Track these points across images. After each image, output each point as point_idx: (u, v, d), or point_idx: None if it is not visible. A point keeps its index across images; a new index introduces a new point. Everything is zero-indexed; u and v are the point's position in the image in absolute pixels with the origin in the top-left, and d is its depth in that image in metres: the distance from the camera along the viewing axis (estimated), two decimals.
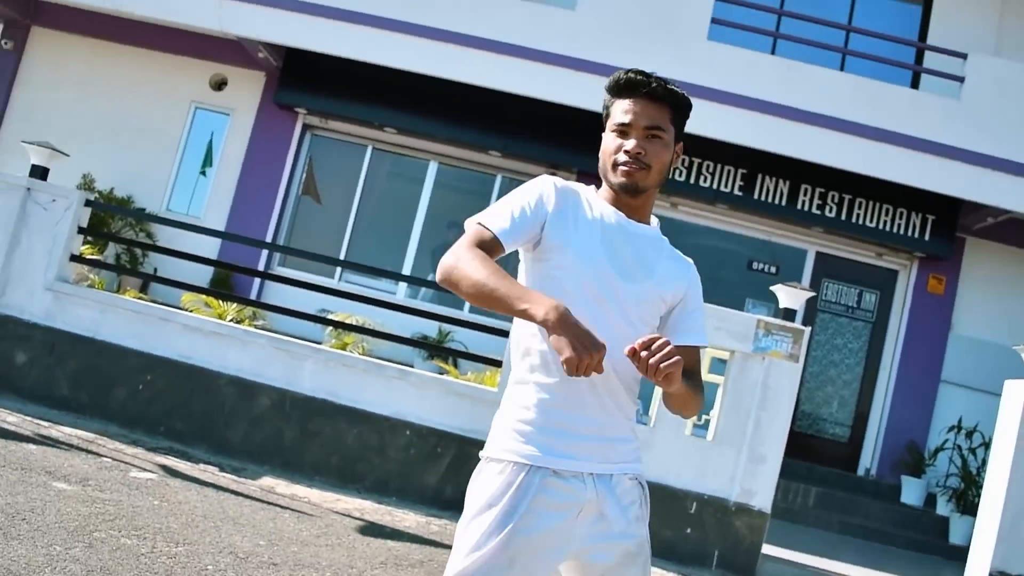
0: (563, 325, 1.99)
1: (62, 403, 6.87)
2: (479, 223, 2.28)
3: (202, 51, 11.84)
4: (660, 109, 2.35)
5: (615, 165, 2.35)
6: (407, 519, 5.90)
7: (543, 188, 2.37)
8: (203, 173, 12.06)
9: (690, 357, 2.37)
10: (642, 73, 2.34)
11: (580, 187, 2.44)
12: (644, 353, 2.01)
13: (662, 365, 2.00)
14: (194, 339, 6.92)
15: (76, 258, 7.34)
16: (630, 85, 2.35)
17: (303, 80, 11.48)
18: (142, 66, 12.11)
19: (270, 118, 11.91)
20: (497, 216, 2.29)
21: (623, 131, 2.34)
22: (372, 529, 5.47)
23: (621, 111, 2.35)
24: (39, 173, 7.32)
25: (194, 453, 6.51)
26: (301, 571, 4.35)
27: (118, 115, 12.04)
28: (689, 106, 2.41)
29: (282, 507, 5.54)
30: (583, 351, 1.96)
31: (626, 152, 2.32)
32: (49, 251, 7.08)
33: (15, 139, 11.94)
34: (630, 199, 2.37)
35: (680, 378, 2.08)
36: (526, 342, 2.33)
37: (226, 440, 6.75)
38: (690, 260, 2.52)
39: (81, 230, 7.29)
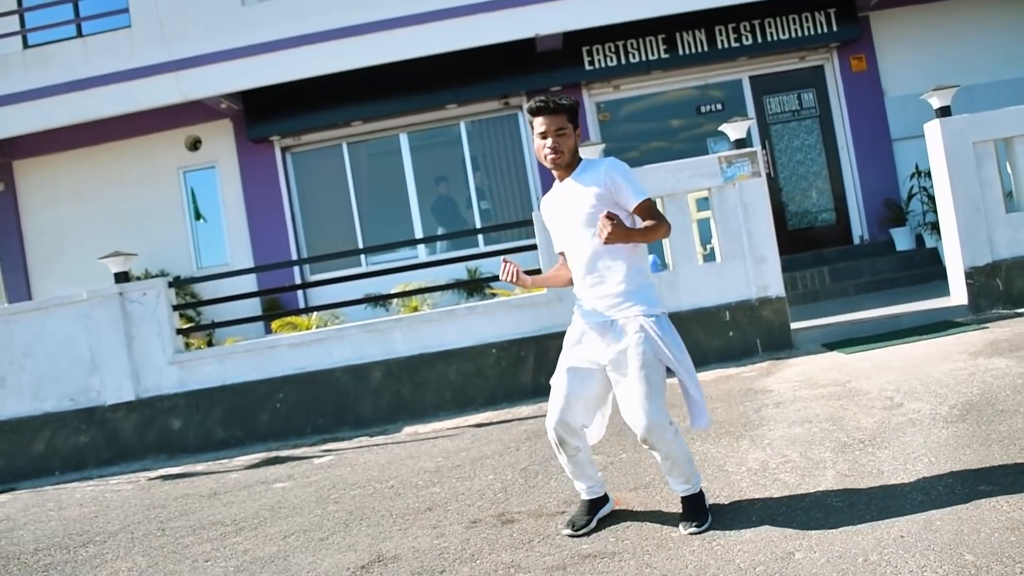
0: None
1: (223, 444, 8.45)
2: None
3: (170, 122, 13.03)
4: (560, 117, 3.99)
5: (545, 157, 4.03)
6: (523, 411, 7.51)
7: (543, 214, 4.28)
8: (202, 220, 13.44)
9: (642, 210, 3.96)
10: (544, 100, 3.99)
11: (548, 193, 4.24)
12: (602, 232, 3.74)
13: (604, 235, 3.73)
14: (300, 352, 8.48)
15: (179, 330, 8.84)
16: (538, 109, 3.99)
17: (267, 112, 12.84)
18: (123, 155, 13.37)
19: (250, 155, 13.26)
20: (554, 242, 4.30)
21: (543, 135, 4.01)
22: (504, 426, 7.05)
23: (539, 124, 4.00)
24: (123, 278, 8.76)
25: (342, 435, 8.12)
26: (478, 463, 5.92)
27: (118, 205, 13.35)
28: (576, 108, 4.07)
29: (434, 438, 7.14)
30: None
31: (548, 148, 4.00)
32: (159, 334, 8.58)
33: (42, 264, 13.51)
34: (560, 172, 4.10)
35: (623, 232, 3.76)
36: None
37: (359, 416, 8.35)
38: (603, 159, 4.11)
39: (174, 307, 8.78)
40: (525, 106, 4.21)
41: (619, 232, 3.74)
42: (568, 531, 4.11)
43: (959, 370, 6.18)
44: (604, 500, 4.29)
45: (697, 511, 4.01)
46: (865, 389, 6.13)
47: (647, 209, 3.96)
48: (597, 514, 4.21)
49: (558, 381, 4.08)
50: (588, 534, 4.09)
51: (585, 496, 4.25)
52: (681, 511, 4.05)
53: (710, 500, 4.24)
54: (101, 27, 12.72)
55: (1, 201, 13.63)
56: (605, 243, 3.79)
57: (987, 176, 8.40)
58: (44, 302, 8.98)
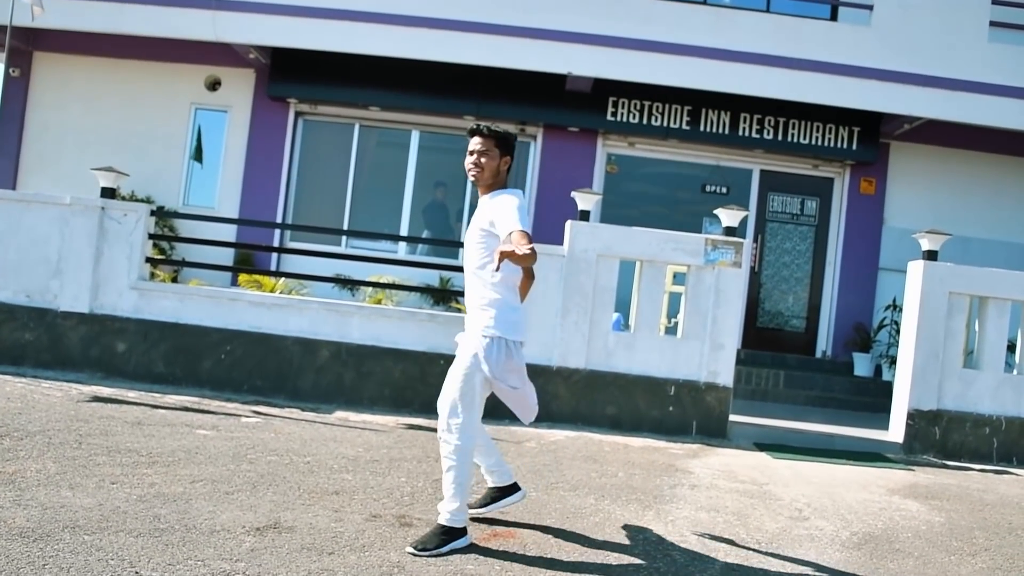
0: None
1: (161, 379, 8.52)
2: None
3: (195, 56, 13.12)
4: (488, 140, 4.52)
5: (468, 170, 4.54)
6: None
7: None
8: (199, 162, 13.51)
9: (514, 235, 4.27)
10: (479, 124, 4.55)
11: None
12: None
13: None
14: (259, 312, 8.58)
15: (149, 259, 8.91)
16: (473, 131, 4.56)
17: (291, 73, 12.96)
18: (141, 77, 13.44)
19: (265, 110, 13.36)
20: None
21: (470, 153, 4.52)
22: (432, 434, 7.16)
23: (471, 143, 4.54)
24: (109, 194, 8.84)
25: (276, 401, 8.21)
26: (396, 463, 6.04)
27: (124, 124, 13.38)
28: (508, 138, 4.55)
29: (361, 428, 7.25)
30: None
31: (470, 163, 4.52)
32: (128, 257, 8.65)
33: (35, 159, 13.48)
34: (480, 189, 4.58)
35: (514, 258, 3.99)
36: None
37: (298, 388, 8.44)
38: (507, 191, 4.49)
39: (150, 236, 8.86)
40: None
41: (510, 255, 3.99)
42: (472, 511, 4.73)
43: (872, 502, 6.35)
44: (514, 488, 4.96)
45: (434, 540, 4.27)
46: (779, 495, 6.29)
47: (520, 236, 4.18)
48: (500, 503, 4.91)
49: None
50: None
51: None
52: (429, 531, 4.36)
53: (605, 553, 4.38)
54: None
55: (12, 87, 13.64)
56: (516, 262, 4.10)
57: (954, 327, 8.62)
58: (27, 195, 9.04)
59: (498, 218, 4.31)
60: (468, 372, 4.41)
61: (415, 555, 4.15)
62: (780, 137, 12.72)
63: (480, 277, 4.48)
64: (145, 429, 6.33)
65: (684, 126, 12.73)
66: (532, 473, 6.12)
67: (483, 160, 4.48)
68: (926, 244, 8.81)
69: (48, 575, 3.47)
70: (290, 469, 5.58)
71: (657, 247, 8.38)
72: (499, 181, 4.53)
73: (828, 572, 4.55)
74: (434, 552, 4.19)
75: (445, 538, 4.29)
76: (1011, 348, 9.60)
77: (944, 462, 8.40)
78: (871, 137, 12.77)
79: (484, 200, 4.52)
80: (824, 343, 13.01)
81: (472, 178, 4.54)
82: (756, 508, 5.83)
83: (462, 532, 4.35)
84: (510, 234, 4.15)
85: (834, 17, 12.79)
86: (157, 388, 8.27)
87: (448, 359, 8.56)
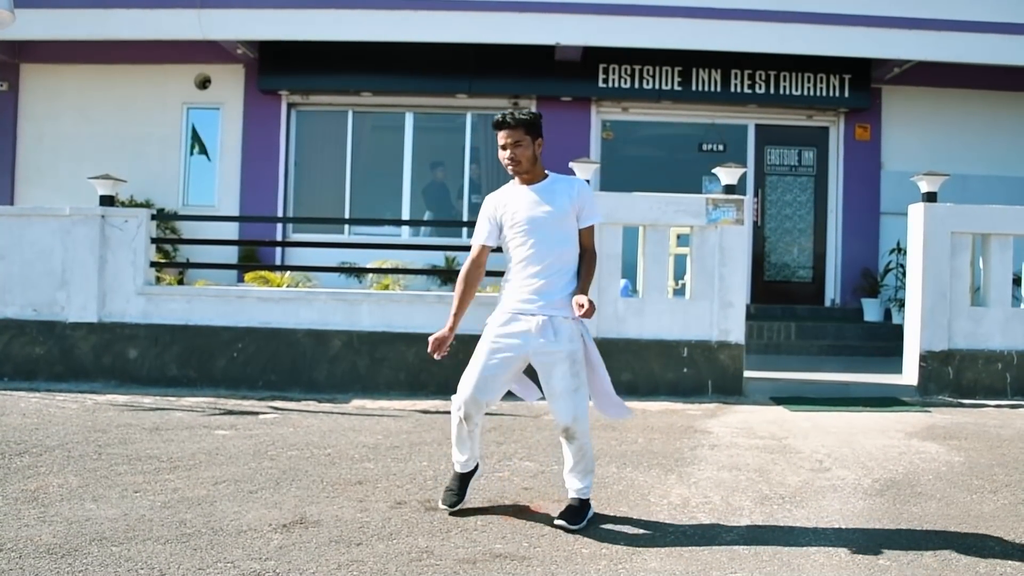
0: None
1: (175, 382, 8.56)
2: (473, 242, 4.58)
3: (184, 56, 13.13)
4: (517, 131, 4.42)
5: (506, 167, 4.48)
6: None
7: (488, 206, 4.60)
8: (206, 156, 13.51)
9: (589, 231, 4.54)
10: (503, 115, 4.44)
11: (501, 190, 4.61)
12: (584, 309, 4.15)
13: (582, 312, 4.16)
14: (268, 307, 8.61)
15: (154, 263, 8.93)
16: (498, 124, 4.44)
17: (281, 65, 12.94)
18: (131, 80, 13.45)
19: (257, 105, 13.36)
20: (478, 233, 4.60)
21: (503, 147, 4.45)
22: (450, 416, 7.19)
23: (500, 137, 4.45)
24: (108, 201, 8.85)
25: (292, 395, 8.25)
26: (416, 447, 6.08)
27: (118, 129, 13.39)
28: (535, 121, 4.47)
29: (379, 415, 7.29)
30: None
31: (507, 158, 4.44)
32: (132, 263, 8.67)
33: (32, 171, 13.50)
34: (521, 178, 4.51)
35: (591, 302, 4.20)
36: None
37: (313, 380, 8.48)
38: (578, 179, 4.63)
39: (153, 240, 8.88)
40: (533, 108, 4.52)
41: (591, 307, 4.16)
42: (446, 506, 4.62)
43: (891, 447, 6.37)
44: (474, 470, 4.77)
45: (580, 515, 4.44)
46: (799, 448, 6.32)
47: (592, 231, 4.58)
48: (468, 485, 4.72)
49: (478, 359, 4.47)
50: (461, 508, 4.61)
51: (459, 469, 4.72)
52: (566, 508, 4.49)
53: (629, 523, 4.42)
54: None
55: (2, 100, 13.65)
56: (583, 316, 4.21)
57: (959, 267, 8.62)
58: (27, 209, 9.07)
59: (585, 209, 4.51)
60: (578, 364, 4.40)
61: (571, 530, 4.34)
62: (772, 90, 12.68)
63: (564, 263, 4.45)
64: (163, 434, 6.37)
65: (676, 87, 12.70)
66: (552, 447, 6.14)
67: (518, 151, 4.43)
68: (925, 186, 8.80)
69: None
70: (312, 463, 5.62)
71: (659, 211, 8.37)
72: (539, 166, 4.52)
73: (852, 521, 4.58)
74: (582, 524, 4.41)
75: (586, 511, 4.51)
76: (1016, 282, 9.62)
77: (960, 401, 8.42)
78: (863, 83, 12.72)
79: (540, 188, 4.48)
80: (832, 291, 13.02)
81: (512, 172, 4.50)
82: (777, 463, 5.86)
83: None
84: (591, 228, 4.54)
85: None
86: (172, 391, 8.31)
87: (459, 339, 8.58)
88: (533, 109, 12.64)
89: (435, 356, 4.57)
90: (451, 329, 4.58)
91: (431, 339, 4.55)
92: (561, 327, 4.34)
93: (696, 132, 13.26)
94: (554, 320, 4.34)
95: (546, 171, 4.57)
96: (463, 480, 4.71)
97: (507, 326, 4.42)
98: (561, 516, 4.41)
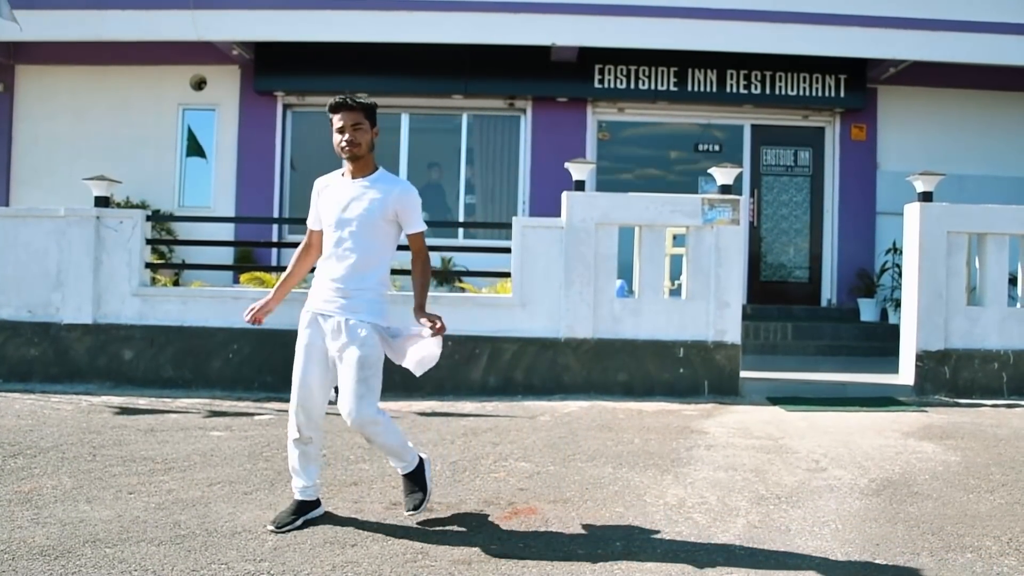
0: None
1: (170, 383, 8.54)
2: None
3: (179, 57, 13.11)
4: (356, 113, 4.28)
5: (342, 149, 4.30)
6: (467, 406, 7.64)
7: (314, 190, 4.57)
8: (203, 157, 13.49)
9: (416, 238, 4.44)
10: (342, 98, 4.29)
11: (329, 175, 4.54)
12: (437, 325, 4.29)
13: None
14: None
15: (149, 265, 8.92)
16: (337, 106, 4.29)
17: (276, 66, 12.93)
18: (126, 82, 13.44)
19: (252, 106, 13.34)
20: (310, 217, 4.59)
21: (340, 130, 4.28)
22: (445, 419, 7.19)
23: (337, 119, 4.29)
24: (103, 202, 8.83)
25: (288, 396, 8.18)
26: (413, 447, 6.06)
27: (114, 130, 13.38)
28: (373, 108, 4.37)
29: None
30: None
31: (345, 140, 4.27)
32: (128, 264, 8.65)
33: (27, 172, 13.47)
34: (353, 165, 4.37)
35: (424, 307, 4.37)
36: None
37: None
38: (404, 183, 4.48)
39: (148, 241, 8.86)
40: (528, 109, 4.46)
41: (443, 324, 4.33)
42: (271, 527, 4.28)
43: (888, 447, 6.37)
44: (315, 505, 4.50)
45: (416, 483, 4.56)
46: (795, 448, 6.31)
47: (420, 238, 4.46)
48: (304, 516, 4.39)
49: (296, 365, 4.48)
50: (290, 531, 4.26)
51: (298, 496, 4.46)
52: (404, 488, 4.59)
53: (625, 524, 4.41)
54: None
55: None
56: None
57: (955, 266, 8.62)
58: (21, 211, 9.05)
59: (406, 217, 4.39)
60: (370, 368, 4.41)
61: (416, 512, 4.45)
62: (768, 91, 12.69)
63: (368, 266, 4.36)
64: (158, 435, 6.36)
65: (672, 87, 12.70)
66: (548, 447, 6.14)
67: (357, 134, 4.29)
68: (920, 185, 8.80)
69: None
70: None
71: (655, 211, 8.37)
72: (372, 157, 4.42)
73: (849, 521, 4.57)
74: (426, 495, 4.55)
75: (420, 474, 4.64)
76: (1012, 282, 9.61)
77: (956, 400, 8.42)
78: (858, 83, 12.74)
79: (366, 182, 4.37)
80: (829, 291, 13.02)
81: (347, 155, 4.33)
82: (773, 463, 5.85)
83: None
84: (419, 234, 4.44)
85: None
86: (167, 393, 8.29)
87: (455, 339, 8.65)
88: (529, 110, 12.79)
89: (250, 322, 4.71)
90: (269, 300, 4.75)
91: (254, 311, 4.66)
92: (355, 331, 4.30)
93: (692, 132, 13.27)
94: (349, 323, 4.30)
95: (378, 166, 4.45)
96: (298, 507, 4.42)
97: (310, 328, 4.44)
98: (405, 503, 4.52)
